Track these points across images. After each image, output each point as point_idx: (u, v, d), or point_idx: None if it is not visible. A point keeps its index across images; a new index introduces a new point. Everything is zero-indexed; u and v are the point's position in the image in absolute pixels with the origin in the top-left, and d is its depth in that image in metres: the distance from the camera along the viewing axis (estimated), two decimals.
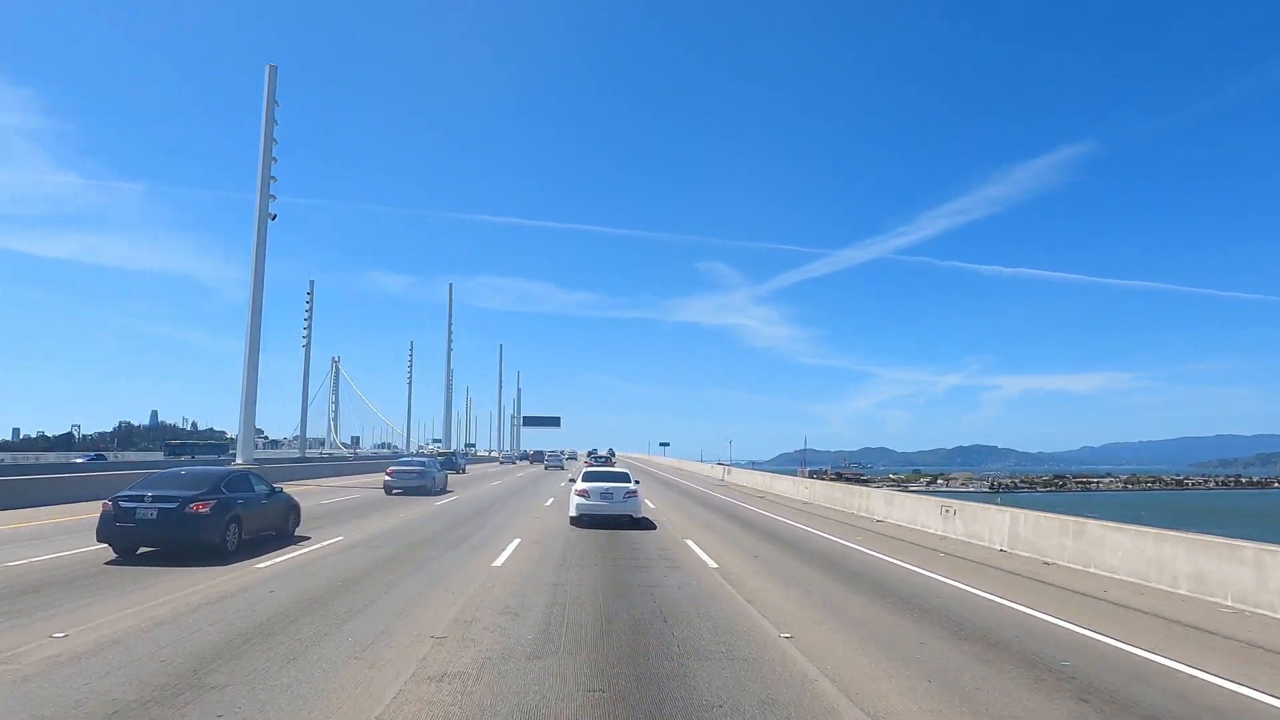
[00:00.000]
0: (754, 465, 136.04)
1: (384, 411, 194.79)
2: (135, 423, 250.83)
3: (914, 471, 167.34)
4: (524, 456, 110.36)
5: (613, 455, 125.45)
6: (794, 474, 71.25)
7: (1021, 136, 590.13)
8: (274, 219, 39.00)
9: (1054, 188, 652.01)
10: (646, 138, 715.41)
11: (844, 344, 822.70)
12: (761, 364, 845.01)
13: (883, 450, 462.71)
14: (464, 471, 53.04)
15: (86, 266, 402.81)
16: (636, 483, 20.92)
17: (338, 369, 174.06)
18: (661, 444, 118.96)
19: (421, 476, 28.00)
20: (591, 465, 41.99)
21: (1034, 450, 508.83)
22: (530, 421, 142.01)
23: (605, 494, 18.98)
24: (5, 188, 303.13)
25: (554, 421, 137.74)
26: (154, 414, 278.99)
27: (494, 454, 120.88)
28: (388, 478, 28.05)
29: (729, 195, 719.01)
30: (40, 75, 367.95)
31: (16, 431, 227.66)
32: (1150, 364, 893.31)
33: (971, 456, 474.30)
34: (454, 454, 59.28)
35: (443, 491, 29.83)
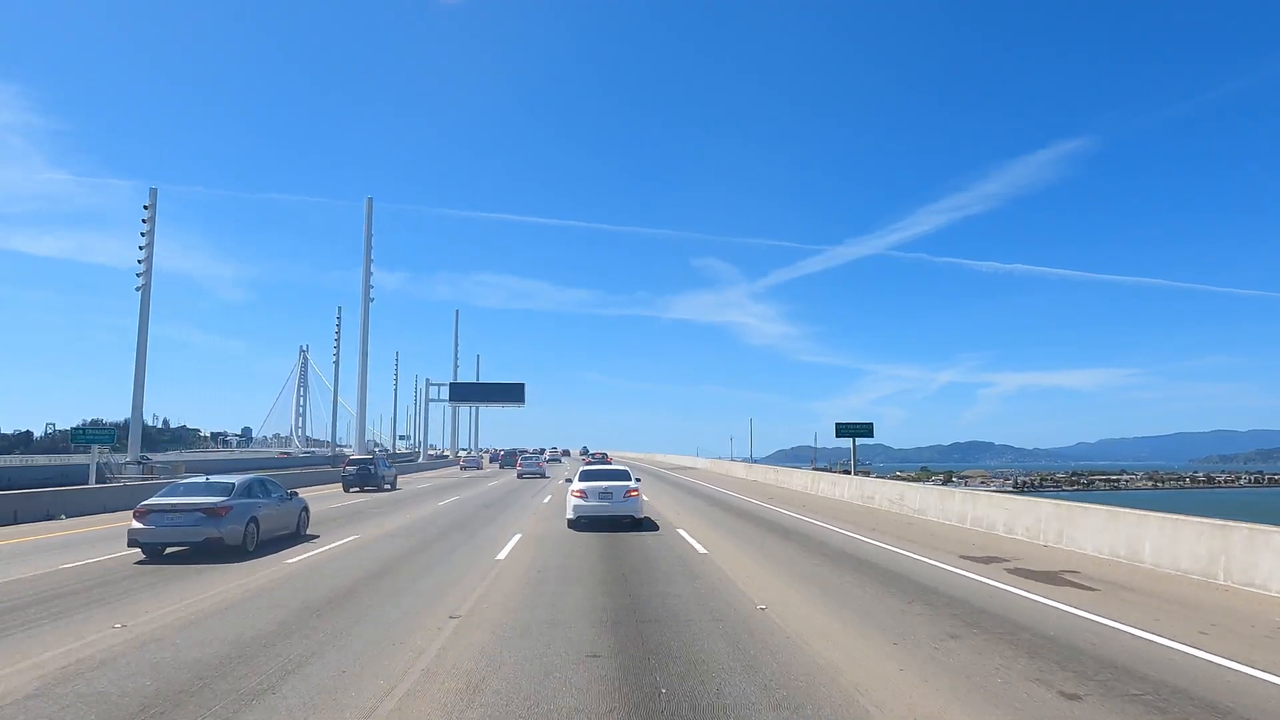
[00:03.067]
0: (747, 462, 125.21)
1: (370, 409, 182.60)
2: (105, 420, 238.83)
3: (922, 469, 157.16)
4: (495, 458, 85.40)
5: (587, 453, 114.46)
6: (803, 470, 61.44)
7: (1018, 131, 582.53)
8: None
9: (1051, 183, 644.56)
10: (642, 134, 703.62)
11: (839, 340, 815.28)
12: (757, 361, 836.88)
13: (880, 447, 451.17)
14: (391, 486, 36.84)
15: (79, 264, 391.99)
16: (638, 480, 20.00)
17: (306, 360, 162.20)
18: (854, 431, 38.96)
19: (214, 520, 14.08)
20: (590, 463, 38.02)
21: (1030, 446, 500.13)
22: (466, 394, 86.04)
23: (604, 493, 18.12)
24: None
25: (513, 394, 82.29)
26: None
27: (458, 454, 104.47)
28: (136, 524, 14.11)
29: (725, 192, 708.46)
30: (34, 72, 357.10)
31: (30, 434, 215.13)
32: (1146, 360, 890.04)
33: (969, 453, 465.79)
34: (368, 460, 37.84)
35: (296, 537, 16.79)
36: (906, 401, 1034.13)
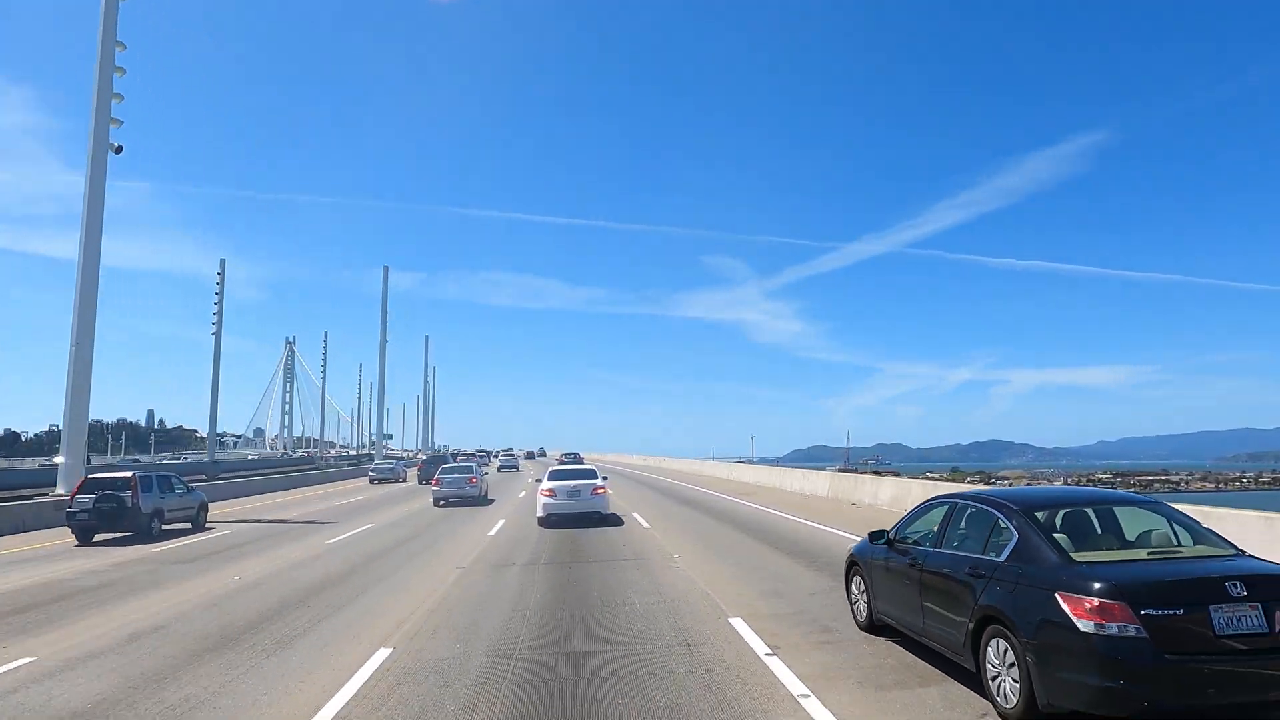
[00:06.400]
0: (765, 463, 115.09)
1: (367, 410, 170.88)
2: (107, 420, 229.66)
3: (954, 470, 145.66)
4: (437, 460, 49.18)
5: (543, 454, 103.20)
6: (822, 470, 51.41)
7: (1035, 125, 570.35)
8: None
9: (1068, 177, 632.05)
10: (654, 133, 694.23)
11: (853, 338, 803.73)
12: (770, 359, 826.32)
13: (897, 446, 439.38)
14: (196, 525, 21.50)
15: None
16: (604, 479, 20.67)
17: (292, 352, 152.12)
18: None
19: None
20: (564, 463, 35.73)
21: (1050, 445, 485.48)
22: None
23: (572, 492, 18.82)
24: (15, 188, 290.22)
25: None
26: (150, 413, 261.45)
27: (414, 454, 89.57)
28: None
29: (739, 191, 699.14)
30: (48, 74, 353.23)
31: (12, 433, 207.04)
32: (1166, 356, 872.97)
33: (988, 452, 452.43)
34: (122, 482, 19.66)
35: None
36: (922, 400, 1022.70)
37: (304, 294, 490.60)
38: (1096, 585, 4.87)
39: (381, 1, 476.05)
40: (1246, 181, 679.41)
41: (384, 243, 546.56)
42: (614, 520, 19.77)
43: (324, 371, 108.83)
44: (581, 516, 19.00)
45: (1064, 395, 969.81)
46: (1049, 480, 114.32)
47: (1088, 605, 4.81)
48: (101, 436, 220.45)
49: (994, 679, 5.47)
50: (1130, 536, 5.91)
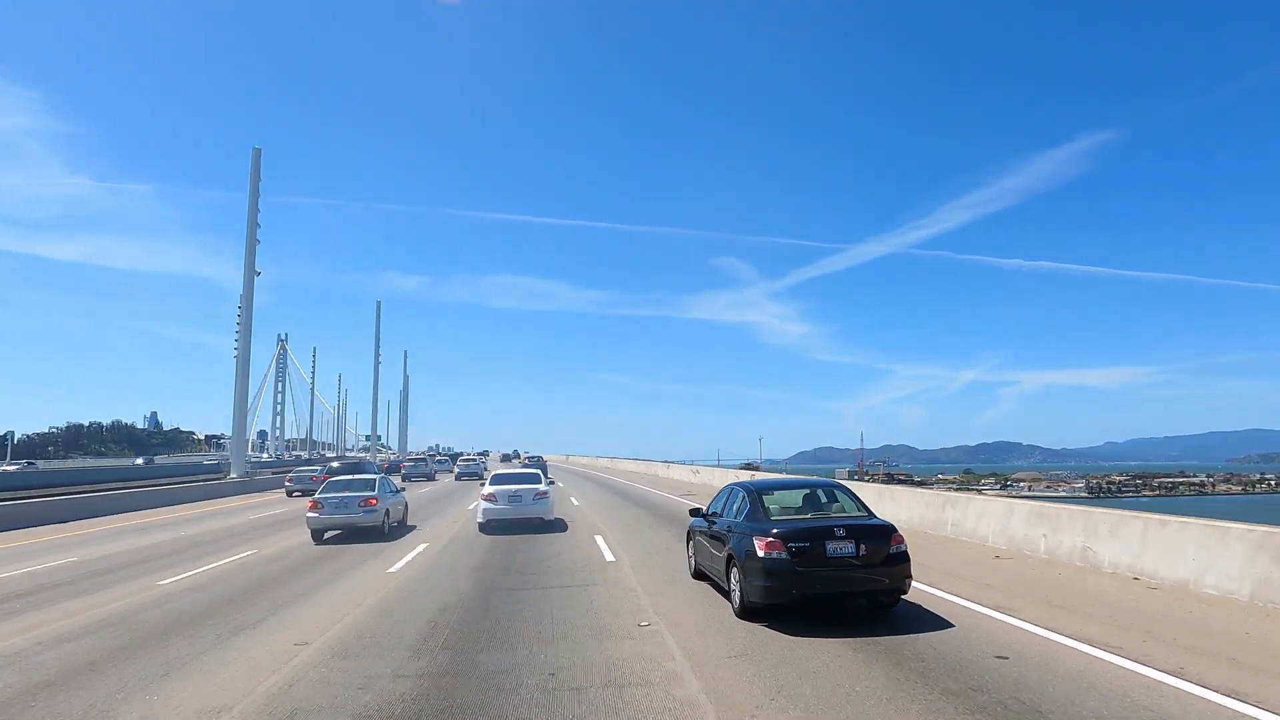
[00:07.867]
0: (771, 464, 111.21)
1: (364, 412, 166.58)
2: (104, 422, 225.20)
3: (966, 471, 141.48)
4: (350, 469, 31.34)
5: (517, 456, 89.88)
6: (833, 473, 47.29)
7: (1041, 125, 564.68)
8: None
9: (1075, 177, 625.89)
10: (661, 134, 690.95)
11: (859, 340, 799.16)
12: (776, 361, 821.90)
13: (904, 448, 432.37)
14: None
15: (99, 269, 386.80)
16: (551, 482, 20.61)
17: (284, 350, 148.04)
18: None
19: None
20: (526, 466, 34.71)
21: (1058, 446, 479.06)
22: None
23: (514, 496, 18.02)
24: (19, 190, 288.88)
25: None
26: (152, 415, 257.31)
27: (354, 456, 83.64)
28: None
29: (747, 192, 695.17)
30: (52, 79, 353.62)
31: (11, 434, 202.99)
32: (1175, 357, 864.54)
33: (995, 453, 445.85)
34: None
35: None
36: (928, 401, 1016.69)
37: (308, 297, 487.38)
38: (773, 531, 8.32)
39: (385, 3, 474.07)
40: (1250, 181, 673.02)
41: (388, 245, 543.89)
42: (558, 526, 18.52)
43: (245, 344, 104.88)
44: (523, 522, 18.18)
45: (1071, 396, 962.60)
46: (1067, 482, 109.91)
47: (765, 543, 8.25)
48: (99, 438, 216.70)
49: (732, 593, 8.93)
50: (817, 506, 9.44)
